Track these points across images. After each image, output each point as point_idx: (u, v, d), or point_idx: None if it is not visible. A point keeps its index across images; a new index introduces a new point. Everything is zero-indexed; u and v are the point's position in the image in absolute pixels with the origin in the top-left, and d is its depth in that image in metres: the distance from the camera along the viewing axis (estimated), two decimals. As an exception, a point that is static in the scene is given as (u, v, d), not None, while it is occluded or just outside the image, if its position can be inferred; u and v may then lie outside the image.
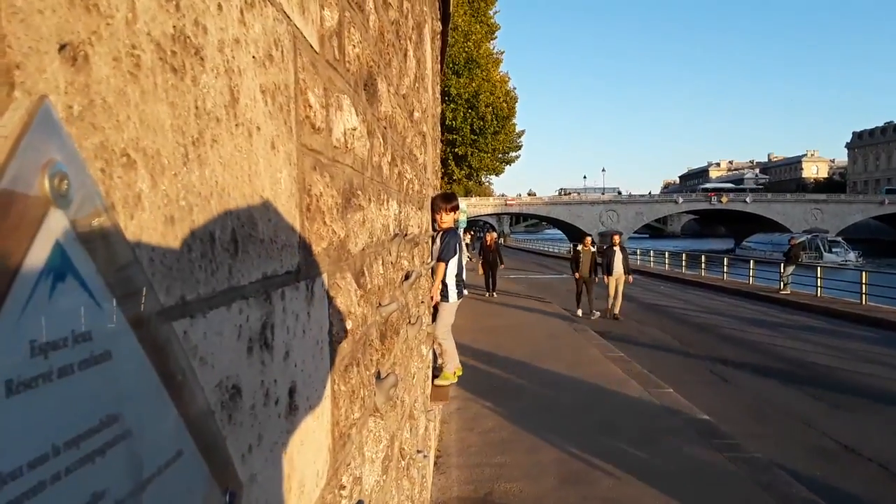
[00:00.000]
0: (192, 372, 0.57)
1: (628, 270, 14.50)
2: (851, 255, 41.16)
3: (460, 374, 5.34)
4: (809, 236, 42.15)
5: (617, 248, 14.58)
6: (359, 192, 1.50)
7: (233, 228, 0.72)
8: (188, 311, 0.59)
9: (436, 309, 4.82)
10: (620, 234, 15.55)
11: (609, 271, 14.45)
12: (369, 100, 1.68)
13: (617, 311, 14.41)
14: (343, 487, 1.30)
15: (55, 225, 0.37)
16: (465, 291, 5.18)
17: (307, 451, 1.04)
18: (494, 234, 19.81)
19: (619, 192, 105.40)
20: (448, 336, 5.03)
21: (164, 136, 0.55)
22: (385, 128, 1.99)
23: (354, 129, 1.37)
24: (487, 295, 17.79)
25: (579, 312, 14.63)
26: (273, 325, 0.86)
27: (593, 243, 15.33)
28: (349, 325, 1.35)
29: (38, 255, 0.35)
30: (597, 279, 14.88)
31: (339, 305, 1.29)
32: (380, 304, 1.89)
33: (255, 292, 0.79)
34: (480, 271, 19.10)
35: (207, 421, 0.59)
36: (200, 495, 0.57)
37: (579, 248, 15.38)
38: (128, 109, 0.49)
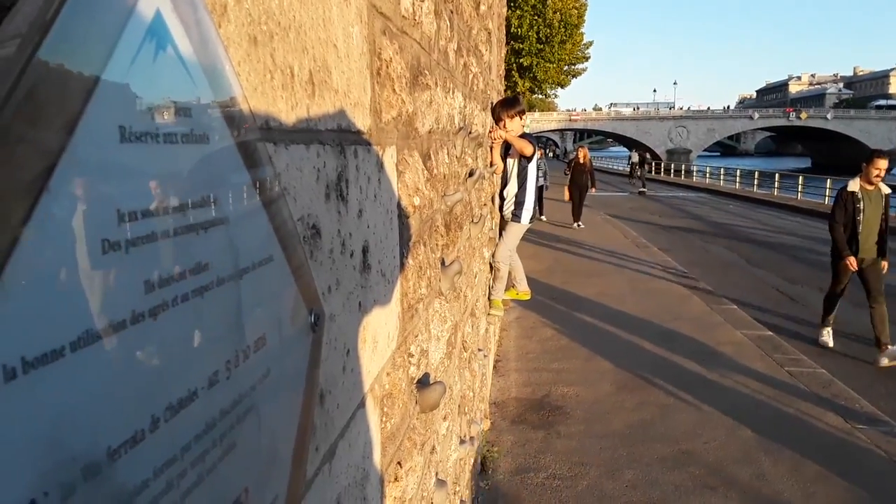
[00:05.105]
0: (280, 191, 0.59)
1: None
2: None
3: (523, 297, 5.18)
4: None
5: None
6: (426, 72, 1.48)
7: (310, 70, 0.72)
8: (272, 137, 0.61)
9: (502, 227, 4.54)
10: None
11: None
12: (437, -23, 1.63)
13: None
14: (412, 356, 1.36)
15: (155, -2, 0.38)
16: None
17: (379, 312, 1.08)
18: (587, 150, 15.21)
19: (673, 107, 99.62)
20: (507, 260, 4.50)
21: (245, -46, 0.55)
22: (451, 12, 1.93)
23: (423, 1, 1.33)
24: (575, 226, 13.95)
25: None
26: (347, 179, 0.88)
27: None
28: (417, 201, 1.37)
29: (142, 15, 0.37)
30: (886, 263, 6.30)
31: (408, 181, 1.31)
32: (444, 194, 1.91)
33: (331, 141, 0.80)
34: (567, 196, 14.46)
35: (294, 243, 0.63)
36: (289, 303, 0.61)
37: (852, 187, 6.23)
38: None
